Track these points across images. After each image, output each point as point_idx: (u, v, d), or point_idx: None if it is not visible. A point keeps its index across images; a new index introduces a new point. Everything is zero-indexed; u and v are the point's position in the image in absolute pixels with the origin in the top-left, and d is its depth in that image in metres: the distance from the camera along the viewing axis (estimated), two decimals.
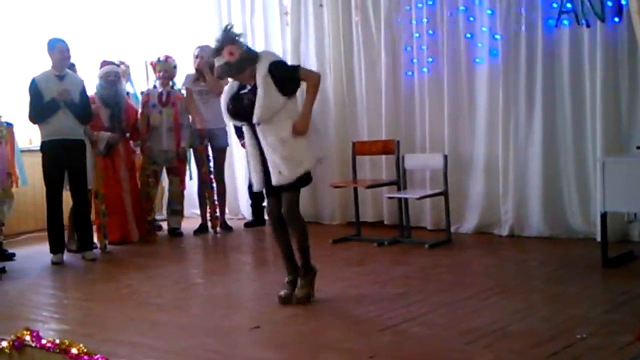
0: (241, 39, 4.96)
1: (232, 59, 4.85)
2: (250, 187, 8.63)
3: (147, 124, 8.01)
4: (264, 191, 5.16)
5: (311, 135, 5.00)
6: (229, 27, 4.97)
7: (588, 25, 6.64)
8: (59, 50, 6.86)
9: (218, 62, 4.92)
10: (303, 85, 5.08)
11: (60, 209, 7.00)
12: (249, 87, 4.96)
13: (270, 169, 4.93)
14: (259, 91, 4.82)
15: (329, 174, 8.37)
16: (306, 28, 8.66)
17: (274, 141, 4.88)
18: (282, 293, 5.11)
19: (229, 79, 5.11)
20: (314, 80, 5.02)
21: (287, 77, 4.93)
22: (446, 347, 4.06)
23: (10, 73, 8.40)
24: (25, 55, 8.48)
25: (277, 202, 5.07)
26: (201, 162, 8.33)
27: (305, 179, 5.01)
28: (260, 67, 4.87)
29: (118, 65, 7.95)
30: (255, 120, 4.87)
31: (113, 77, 7.75)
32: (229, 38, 4.90)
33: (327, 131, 8.43)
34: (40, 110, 6.78)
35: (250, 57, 4.91)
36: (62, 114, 6.80)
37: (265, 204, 8.61)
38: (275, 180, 4.92)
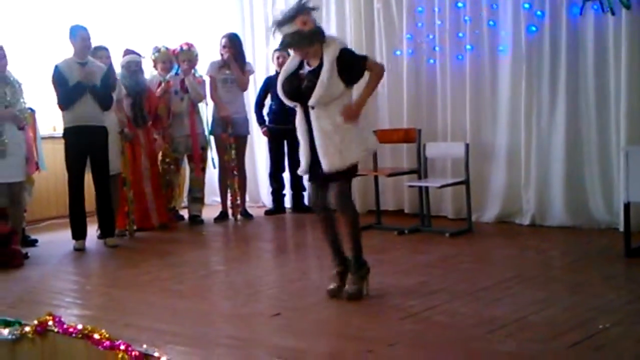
0: (315, 13, 4.82)
1: (305, 28, 4.69)
2: (271, 175, 8.68)
3: (168, 111, 8.06)
4: (307, 177, 5.01)
5: (362, 126, 4.92)
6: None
7: (613, 13, 6.56)
8: (81, 38, 6.89)
9: (288, 29, 4.72)
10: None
11: (82, 195, 7.03)
12: (310, 68, 4.82)
13: (320, 156, 4.77)
14: (324, 74, 4.67)
15: None
16: (327, 15, 8.62)
17: (327, 127, 4.74)
18: (331, 286, 4.93)
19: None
20: (378, 71, 4.93)
21: (353, 65, 4.79)
22: (467, 335, 4.04)
23: (32, 60, 8.43)
24: (47, 42, 8.52)
25: (321, 190, 4.90)
26: (223, 150, 8.35)
27: (353, 169, 4.87)
28: (329, 50, 4.72)
29: (140, 55, 7.98)
30: (312, 102, 4.73)
31: (134, 67, 7.83)
32: (304, 8, 4.75)
33: None
34: (67, 95, 6.80)
35: (320, 34, 4.78)
36: (85, 100, 6.83)
37: (284, 191, 8.75)
38: (326, 167, 4.75)
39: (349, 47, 4.97)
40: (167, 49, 8.25)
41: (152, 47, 8.30)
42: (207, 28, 9.26)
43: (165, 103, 8.05)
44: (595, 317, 4.20)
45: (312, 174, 4.92)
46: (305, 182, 8.71)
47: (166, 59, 8.23)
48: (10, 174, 6.71)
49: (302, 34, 4.69)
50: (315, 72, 4.74)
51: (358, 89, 4.97)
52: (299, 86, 4.81)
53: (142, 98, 7.82)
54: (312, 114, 4.77)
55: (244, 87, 8.44)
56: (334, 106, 4.74)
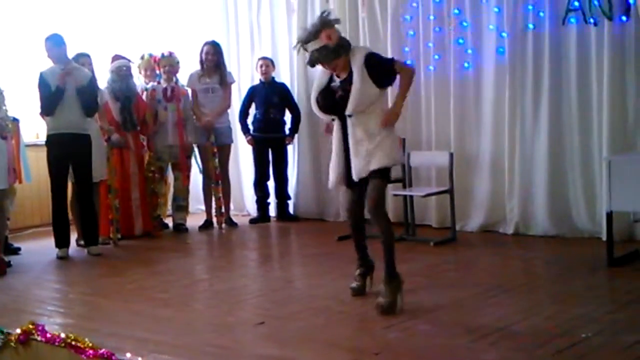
0: (337, 26, 4.86)
1: (330, 42, 4.74)
2: (256, 183, 8.67)
3: (155, 119, 8.05)
4: (337, 183, 5.03)
5: (394, 136, 4.97)
6: (325, 13, 4.87)
7: (595, 24, 6.62)
8: (47, 49, 6.87)
9: (314, 45, 4.76)
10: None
11: (65, 204, 7.03)
12: (340, 79, 4.87)
13: (353, 160, 4.84)
14: (356, 81, 4.73)
15: None
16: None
17: (362, 134, 4.80)
18: (353, 285, 5.12)
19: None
20: (409, 73, 4.97)
21: (382, 68, 4.84)
22: (451, 344, 4.06)
23: (16, 68, 8.40)
24: (31, 51, 8.48)
25: (355, 197, 4.99)
26: (207, 159, 8.34)
27: (385, 175, 4.89)
28: (356, 58, 4.78)
29: (129, 60, 7.99)
30: (349, 110, 4.78)
31: (125, 71, 7.85)
32: (327, 22, 4.79)
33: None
34: (48, 100, 6.78)
35: (346, 44, 4.83)
36: (68, 107, 6.81)
37: (269, 200, 8.76)
38: (355, 173, 4.83)
39: (375, 52, 5.02)
40: (151, 56, 8.28)
41: (137, 54, 8.33)
42: (193, 36, 9.25)
43: (151, 110, 8.04)
44: (578, 327, 4.22)
45: (348, 180, 4.96)
46: (291, 191, 8.75)
47: (148, 66, 8.29)
48: None
49: (329, 48, 4.75)
50: (347, 81, 4.80)
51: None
52: (334, 99, 4.86)
53: (131, 103, 7.81)
54: (349, 122, 4.83)
55: (228, 105, 8.46)
56: (369, 113, 4.81)
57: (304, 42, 4.81)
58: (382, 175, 4.83)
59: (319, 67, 4.98)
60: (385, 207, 4.99)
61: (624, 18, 6.48)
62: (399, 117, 4.95)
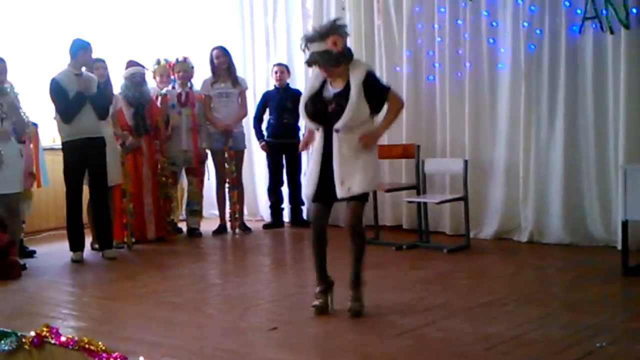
0: (346, 35, 4.81)
1: (335, 49, 4.66)
2: (270, 189, 8.68)
3: (166, 124, 8.07)
4: (312, 197, 4.92)
5: (377, 159, 4.97)
6: (339, 20, 4.83)
7: (612, 32, 6.59)
8: (89, 53, 6.94)
9: (317, 47, 4.69)
10: None
11: (80, 207, 7.06)
12: (334, 90, 4.78)
13: (336, 180, 4.74)
14: (353, 98, 4.66)
15: None
16: None
17: (348, 152, 4.73)
18: (317, 303, 4.91)
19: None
20: (399, 104, 4.93)
21: (379, 92, 4.80)
22: (464, 352, 4.04)
23: (32, 72, 8.44)
24: (47, 54, 8.54)
25: (324, 210, 4.91)
26: (222, 163, 8.35)
27: (367, 195, 4.90)
28: (356, 72, 4.72)
29: (143, 67, 8.02)
30: (339, 126, 4.69)
31: (139, 78, 7.89)
32: (336, 28, 4.73)
33: None
34: (69, 106, 6.81)
35: (348, 55, 4.76)
36: (83, 112, 6.84)
37: (282, 205, 8.76)
38: (340, 192, 4.74)
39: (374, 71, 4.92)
40: (167, 61, 8.32)
41: (153, 59, 8.37)
42: (208, 41, 9.27)
43: (162, 115, 8.07)
44: (592, 336, 4.20)
45: (319, 195, 4.86)
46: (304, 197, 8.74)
47: (164, 72, 8.31)
48: (6, 185, 6.66)
49: (330, 55, 4.68)
50: (342, 95, 4.72)
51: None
52: (324, 109, 4.77)
53: (144, 108, 7.86)
54: (335, 137, 4.73)
55: (245, 113, 8.50)
56: (358, 132, 4.74)
57: (308, 40, 4.76)
58: (362, 197, 4.83)
59: (314, 69, 4.94)
60: (363, 224, 4.94)
61: None
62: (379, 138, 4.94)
